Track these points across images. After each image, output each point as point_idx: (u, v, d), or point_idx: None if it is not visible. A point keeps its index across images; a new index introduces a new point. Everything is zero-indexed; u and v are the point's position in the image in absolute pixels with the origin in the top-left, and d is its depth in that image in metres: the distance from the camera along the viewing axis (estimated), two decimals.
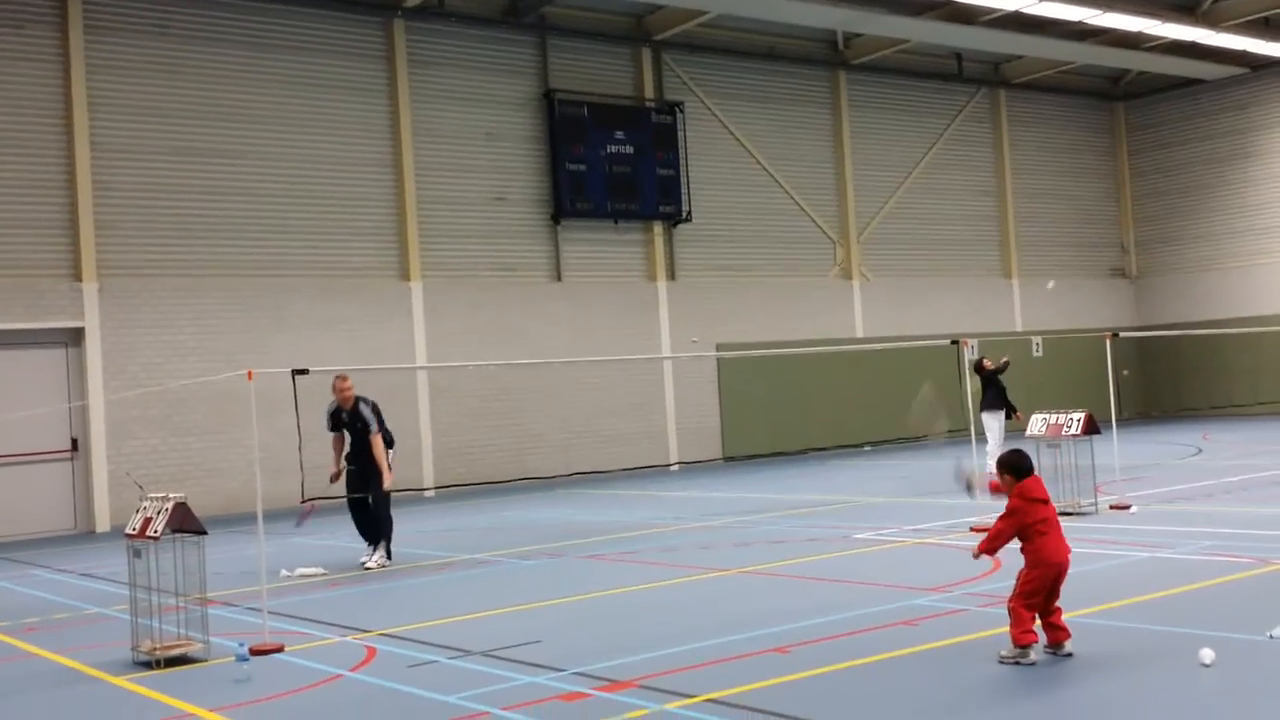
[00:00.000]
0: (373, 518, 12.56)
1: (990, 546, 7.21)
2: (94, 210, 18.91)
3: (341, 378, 12.84)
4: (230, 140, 20.20)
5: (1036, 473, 7.35)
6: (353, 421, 12.60)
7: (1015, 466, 7.33)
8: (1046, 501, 7.21)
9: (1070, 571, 7.13)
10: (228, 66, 20.26)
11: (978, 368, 18.05)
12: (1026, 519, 7.11)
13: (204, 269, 19.86)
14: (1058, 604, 7.10)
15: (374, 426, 12.49)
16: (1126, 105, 32.30)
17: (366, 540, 12.75)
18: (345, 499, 12.79)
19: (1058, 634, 7.05)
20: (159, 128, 19.63)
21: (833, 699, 6.44)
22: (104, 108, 19.18)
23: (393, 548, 12.67)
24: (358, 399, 12.63)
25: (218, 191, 20.04)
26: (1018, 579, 7.13)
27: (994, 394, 17.70)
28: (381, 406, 12.85)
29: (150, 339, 19.25)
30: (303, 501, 11.62)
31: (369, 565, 12.33)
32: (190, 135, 19.86)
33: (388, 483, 12.47)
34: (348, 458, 12.72)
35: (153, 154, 19.56)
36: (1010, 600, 7.08)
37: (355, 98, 21.46)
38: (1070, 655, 6.98)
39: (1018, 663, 6.91)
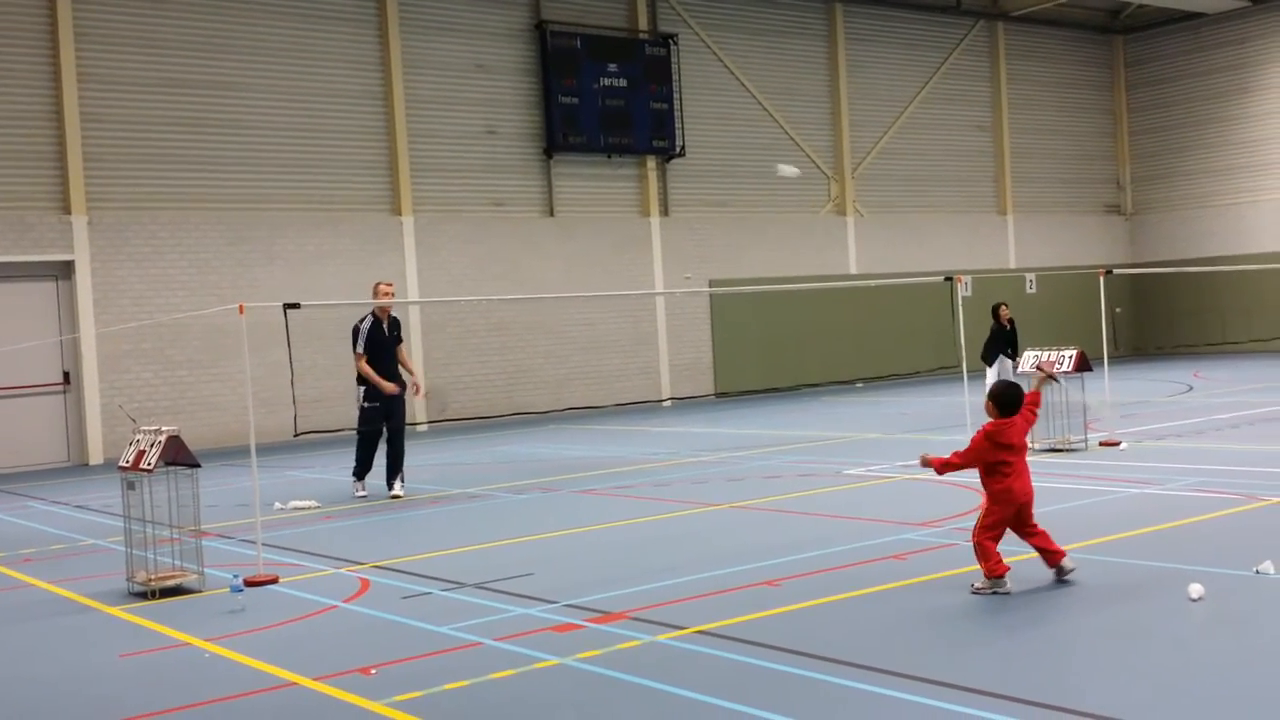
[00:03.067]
0: (391, 453, 12.52)
1: (943, 469, 7.27)
2: (82, 143, 18.71)
3: (387, 282, 12.72)
4: (219, 72, 19.95)
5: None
6: (391, 330, 12.43)
7: (1003, 397, 7.33)
8: (1012, 447, 7.18)
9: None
10: None
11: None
12: (987, 458, 7.15)
13: (194, 202, 19.71)
14: (1038, 527, 7.18)
15: (360, 347, 12.28)
16: (1125, 39, 31.99)
17: (357, 475, 12.74)
18: (344, 432, 12.75)
19: (1053, 556, 7.15)
20: (147, 59, 19.37)
21: (822, 631, 6.50)
22: (91, 39, 18.90)
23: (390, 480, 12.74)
24: (392, 315, 12.53)
25: (207, 124, 19.83)
26: (980, 511, 7.21)
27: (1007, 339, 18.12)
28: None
29: (140, 272, 19.16)
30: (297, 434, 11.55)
31: (398, 493, 12.40)
32: (179, 67, 19.61)
33: (387, 389, 12.29)
34: (369, 391, 12.40)
35: (141, 86, 19.32)
36: (974, 534, 7.15)
37: (344, 28, 21.17)
38: (1073, 571, 7.11)
39: (995, 592, 6.98)
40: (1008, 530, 7.15)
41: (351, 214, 21.14)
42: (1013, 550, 7.26)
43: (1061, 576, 7.13)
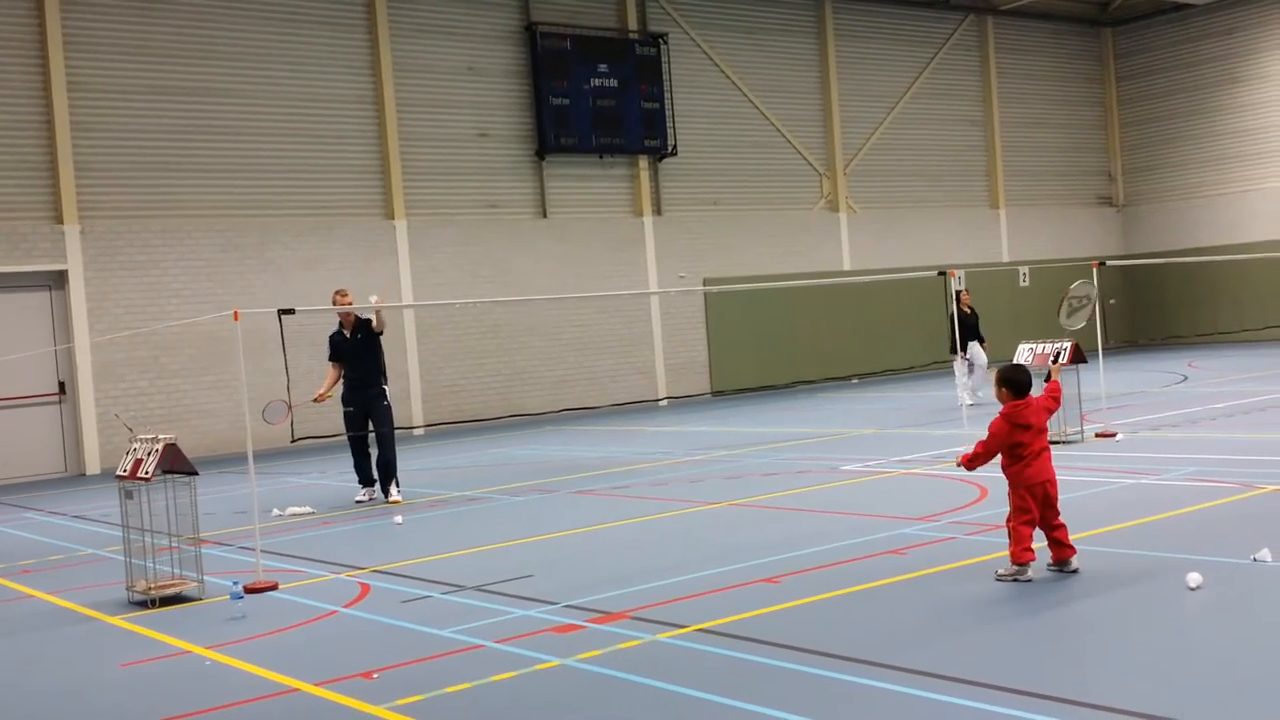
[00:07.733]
0: (381, 460, 12.53)
1: (970, 464, 7.34)
2: (73, 151, 18.69)
3: (340, 292, 12.75)
4: (210, 79, 19.93)
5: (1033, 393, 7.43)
6: (354, 334, 12.55)
7: (1013, 381, 7.34)
8: (1030, 428, 7.22)
9: (1058, 498, 7.22)
10: (205, 2, 19.93)
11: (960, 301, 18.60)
12: (1007, 441, 7.17)
13: (186, 209, 19.68)
14: (1060, 520, 7.21)
15: (375, 321, 12.45)
16: (1115, 31, 32.04)
17: (362, 481, 12.75)
18: (342, 437, 12.82)
19: (1062, 550, 7.18)
20: (136, 67, 19.35)
21: (823, 627, 6.52)
22: (80, 47, 18.88)
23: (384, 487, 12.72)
24: (357, 319, 12.58)
25: (198, 131, 19.81)
26: (1009, 499, 7.25)
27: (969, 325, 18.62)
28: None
29: (134, 280, 19.14)
30: (293, 434, 11.56)
31: (396, 498, 12.39)
32: (169, 74, 19.59)
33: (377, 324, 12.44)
34: (344, 396, 12.66)
35: (131, 94, 19.30)
36: (1008, 520, 7.21)
37: (334, 32, 21.16)
38: (1076, 571, 7.12)
39: (1015, 580, 7.02)
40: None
41: (344, 219, 21.13)
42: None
43: (1064, 570, 7.16)
